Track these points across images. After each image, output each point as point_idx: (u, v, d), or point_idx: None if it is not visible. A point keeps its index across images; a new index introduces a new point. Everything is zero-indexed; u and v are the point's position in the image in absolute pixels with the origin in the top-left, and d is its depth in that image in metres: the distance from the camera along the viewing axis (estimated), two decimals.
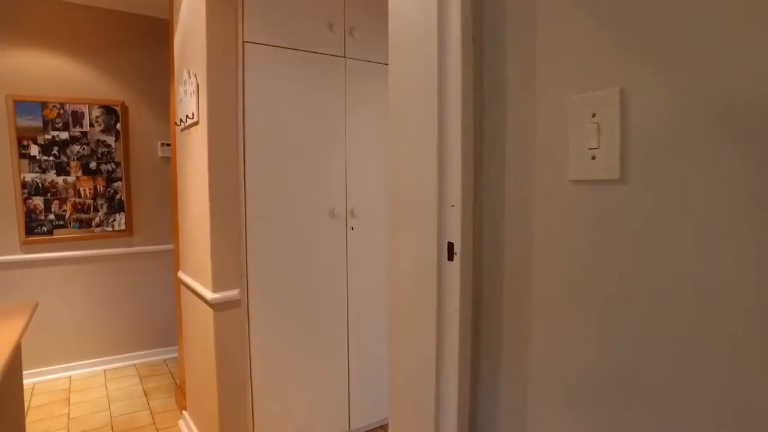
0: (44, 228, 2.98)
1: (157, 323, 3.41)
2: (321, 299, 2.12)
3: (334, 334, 2.17)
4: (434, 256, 0.79)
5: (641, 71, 0.57)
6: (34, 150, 2.92)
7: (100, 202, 3.15)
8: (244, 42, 1.85)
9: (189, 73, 2.01)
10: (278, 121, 1.96)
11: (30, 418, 2.49)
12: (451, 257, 0.78)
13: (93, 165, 3.11)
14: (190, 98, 1.99)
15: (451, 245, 0.78)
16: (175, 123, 2.36)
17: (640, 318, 0.56)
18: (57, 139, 2.98)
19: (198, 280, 2.06)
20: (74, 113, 3.02)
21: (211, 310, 1.88)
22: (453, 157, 0.77)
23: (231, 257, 1.89)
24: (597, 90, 0.62)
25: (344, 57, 2.11)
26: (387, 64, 2.36)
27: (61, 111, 2.98)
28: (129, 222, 3.24)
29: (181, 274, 2.36)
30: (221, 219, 1.86)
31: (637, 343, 0.57)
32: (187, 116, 2.05)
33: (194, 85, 1.92)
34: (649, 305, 0.56)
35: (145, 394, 2.82)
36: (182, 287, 2.38)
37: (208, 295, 1.86)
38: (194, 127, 1.99)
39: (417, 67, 0.83)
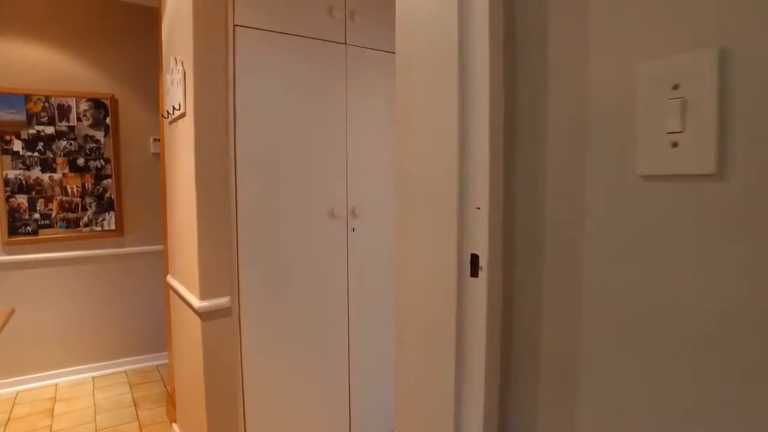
0: (28, 228, 2.82)
1: (150, 327, 3.26)
2: (319, 306, 1.96)
3: (334, 343, 2.02)
4: (454, 271, 0.63)
5: (752, 21, 0.40)
6: (17, 145, 2.76)
7: (88, 200, 2.99)
8: (234, 25, 1.69)
9: (176, 60, 1.85)
10: (272, 113, 1.79)
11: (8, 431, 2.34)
12: (475, 273, 0.62)
13: (81, 161, 2.95)
14: (177, 88, 1.83)
15: (475, 258, 0.62)
16: (162, 115, 2.20)
17: (745, 362, 0.40)
18: (42, 134, 2.82)
19: (185, 286, 1.90)
20: (60, 107, 2.87)
21: (198, 320, 1.72)
22: (478, 148, 0.61)
23: (220, 260, 1.73)
24: (681, 53, 0.46)
25: (345, 44, 1.94)
26: (392, 52, 2.20)
27: (47, 104, 2.82)
28: (119, 221, 3.09)
29: (169, 279, 2.20)
30: (209, 219, 1.70)
31: (744, 397, 0.41)
32: (174, 107, 1.89)
33: (181, 73, 1.76)
34: (761, 349, 0.39)
35: (135, 404, 2.66)
36: (171, 292, 2.22)
37: (196, 302, 1.70)
38: (181, 120, 1.83)
39: (432, 37, 0.67)
